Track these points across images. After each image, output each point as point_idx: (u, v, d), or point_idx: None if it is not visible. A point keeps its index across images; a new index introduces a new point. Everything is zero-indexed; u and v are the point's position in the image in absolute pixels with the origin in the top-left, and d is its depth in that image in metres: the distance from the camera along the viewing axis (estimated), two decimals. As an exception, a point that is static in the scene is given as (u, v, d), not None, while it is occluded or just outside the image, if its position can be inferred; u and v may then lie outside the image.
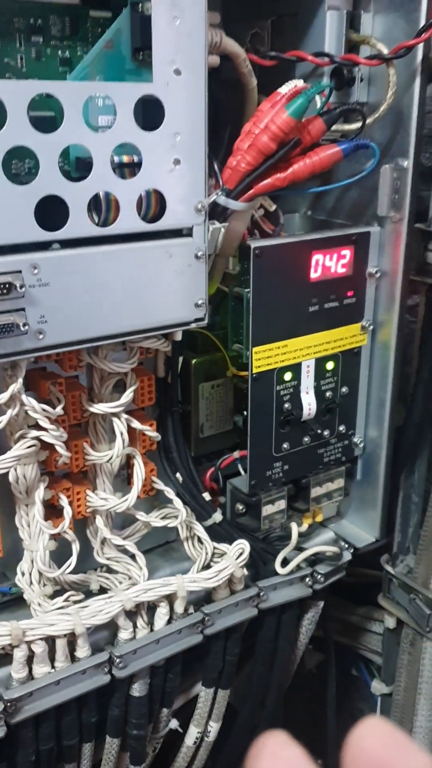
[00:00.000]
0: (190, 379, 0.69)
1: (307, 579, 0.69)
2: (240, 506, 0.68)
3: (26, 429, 0.54)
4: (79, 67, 0.51)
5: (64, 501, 0.58)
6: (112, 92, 0.48)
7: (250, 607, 0.66)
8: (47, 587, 0.59)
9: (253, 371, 0.62)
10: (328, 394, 0.68)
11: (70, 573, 0.59)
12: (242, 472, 0.67)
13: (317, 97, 0.56)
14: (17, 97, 0.44)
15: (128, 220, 0.51)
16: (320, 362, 0.66)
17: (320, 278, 0.63)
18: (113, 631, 0.60)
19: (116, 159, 0.50)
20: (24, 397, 0.52)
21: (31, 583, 0.58)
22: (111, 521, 0.62)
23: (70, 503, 0.58)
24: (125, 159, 0.51)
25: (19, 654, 0.54)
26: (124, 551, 0.63)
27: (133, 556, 0.62)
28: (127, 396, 0.58)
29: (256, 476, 0.65)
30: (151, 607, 0.61)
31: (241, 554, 0.63)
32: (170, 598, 0.61)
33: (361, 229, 0.65)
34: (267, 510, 0.68)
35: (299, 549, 0.70)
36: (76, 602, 0.58)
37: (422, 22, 0.57)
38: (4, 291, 0.46)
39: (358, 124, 0.60)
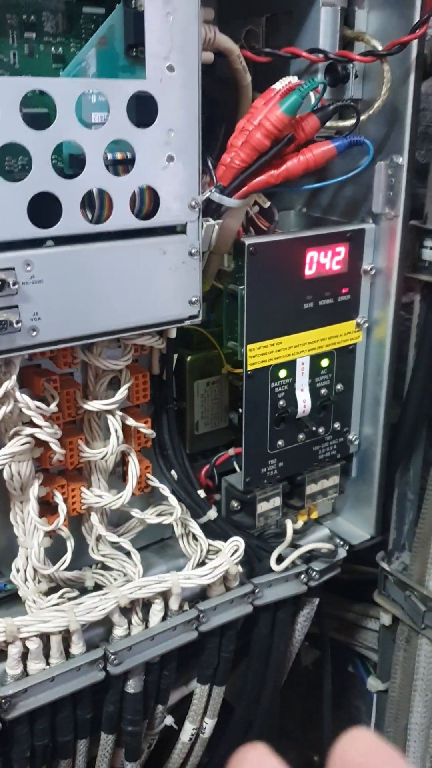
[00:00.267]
0: (185, 376, 0.69)
1: (302, 576, 0.69)
2: (235, 503, 0.68)
3: (20, 426, 0.54)
4: (72, 64, 0.51)
5: (58, 498, 0.58)
6: (105, 89, 0.48)
7: (245, 604, 0.66)
8: (42, 584, 0.59)
9: (248, 368, 0.62)
10: (323, 391, 0.68)
11: (65, 570, 0.59)
12: (237, 469, 0.67)
13: (311, 94, 0.56)
14: (10, 94, 0.44)
15: (122, 217, 0.51)
16: (315, 359, 0.66)
17: (315, 275, 0.63)
18: (108, 628, 0.60)
19: (110, 156, 0.50)
20: (18, 394, 0.52)
21: (26, 579, 0.58)
22: (106, 518, 0.62)
23: (65, 500, 0.58)
24: (119, 156, 0.51)
25: (14, 650, 0.54)
26: (119, 548, 0.63)
27: (128, 553, 0.63)
28: (122, 393, 0.58)
29: (251, 473, 0.65)
30: (146, 604, 0.61)
31: (235, 551, 0.63)
32: (165, 595, 0.61)
33: (356, 226, 0.65)
34: (262, 507, 0.68)
35: (294, 546, 0.70)
36: (70, 599, 0.59)
37: (417, 19, 0.57)
38: (-3, 288, 0.46)
39: (353, 121, 0.60)
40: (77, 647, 0.57)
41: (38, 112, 0.50)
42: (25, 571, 0.58)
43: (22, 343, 0.49)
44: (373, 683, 0.88)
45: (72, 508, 0.59)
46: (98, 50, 0.51)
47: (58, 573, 0.59)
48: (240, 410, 0.64)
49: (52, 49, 0.52)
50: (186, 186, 0.53)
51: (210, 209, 0.56)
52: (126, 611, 0.60)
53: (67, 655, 0.57)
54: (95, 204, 0.50)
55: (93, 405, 0.57)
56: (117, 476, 0.64)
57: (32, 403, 0.52)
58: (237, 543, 0.63)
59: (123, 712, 0.62)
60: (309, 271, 0.63)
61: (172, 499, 0.63)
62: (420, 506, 0.76)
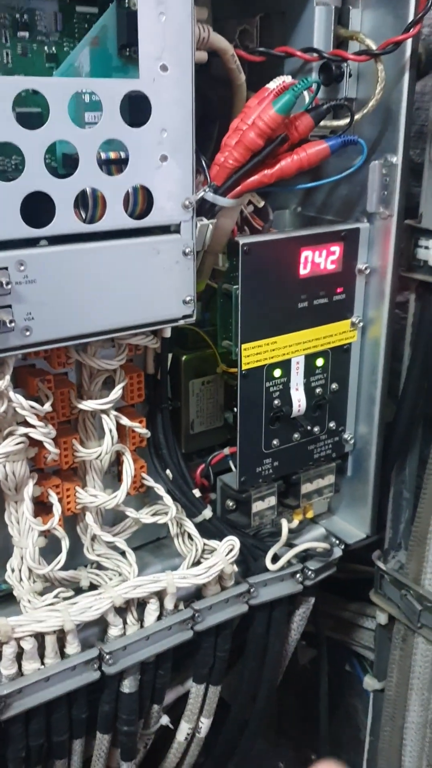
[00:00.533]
0: (180, 375, 0.69)
1: (298, 575, 0.69)
2: (230, 503, 0.68)
3: (15, 426, 0.54)
4: (66, 63, 0.51)
5: (53, 498, 0.58)
6: (98, 88, 0.48)
7: (240, 604, 0.66)
8: (37, 584, 0.59)
9: (243, 368, 0.62)
10: (317, 390, 0.68)
11: (60, 569, 0.59)
12: (232, 468, 0.67)
13: (305, 93, 0.56)
14: (3, 93, 0.44)
15: (115, 217, 0.51)
16: (310, 359, 0.66)
17: (309, 275, 0.63)
18: (103, 628, 0.60)
19: (103, 155, 0.50)
20: (12, 394, 0.52)
21: (20, 579, 0.58)
22: (101, 518, 0.62)
23: (60, 500, 0.58)
24: (112, 155, 0.51)
25: (9, 650, 0.54)
26: (115, 548, 0.63)
27: (123, 553, 0.63)
28: (116, 393, 0.58)
29: (246, 473, 0.65)
30: (141, 604, 0.61)
31: (231, 551, 0.63)
32: (160, 595, 0.61)
33: (351, 225, 0.65)
34: (257, 506, 0.68)
35: (290, 545, 0.70)
36: (65, 599, 0.59)
37: (411, 18, 0.57)
38: (-10, 288, 0.46)
39: (347, 120, 0.60)
40: (72, 647, 0.57)
41: (31, 112, 0.50)
42: (20, 570, 0.58)
43: (16, 342, 0.49)
44: (370, 682, 0.88)
45: (67, 507, 0.59)
46: (91, 50, 0.51)
47: (53, 573, 0.59)
48: (235, 409, 0.63)
49: (46, 48, 0.52)
50: (180, 185, 0.53)
51: (204, 209, 0.56)
52: (121, 611, 0.60)
53: (62, 654, 0.58)
54: (89, 203, 0.50)
55: (87, 405, 0.57)
56: (112, 476, 0.64)
57: (26, 403, 0.52)
58: (232, 542, 0.63)
59: (118, 712, 0.62)
60: (303, 271, 0.63)
61: (167, 499, 0.63)
62: (416, 505, 0.76)
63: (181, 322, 0.57)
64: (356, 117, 0.60)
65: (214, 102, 0.62)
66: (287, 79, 0.55)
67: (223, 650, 0.67)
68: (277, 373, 0.64)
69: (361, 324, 0.69)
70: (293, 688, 1.00)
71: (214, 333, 0.67)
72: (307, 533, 0.74)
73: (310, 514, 0.74)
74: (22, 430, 0.54)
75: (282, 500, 0.72)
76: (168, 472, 0.64)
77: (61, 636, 0.57)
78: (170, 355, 0.66)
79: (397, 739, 0.82)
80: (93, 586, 0.61)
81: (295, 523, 0.73)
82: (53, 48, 0.52)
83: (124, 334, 0.55)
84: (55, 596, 0.59)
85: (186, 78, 0.51)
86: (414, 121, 0.71)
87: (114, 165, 0.51)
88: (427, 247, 0.68)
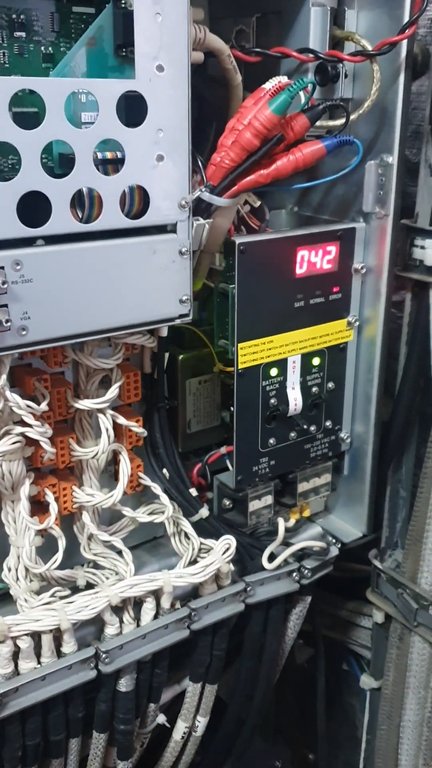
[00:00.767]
0: (177, 375, 0.69)
1: (295, 574, 0.69)
2: (227, 502, 0.68)
3: (11, 425, 0.54)
4: (62, 63, 0.51)
5: (50, 497, 0.58)
6: (94, 88, 0.48)
7: (237, 602, 0.66)
8: (34, 583, 0.59)
9: (239, 367, 0.62)
10: (314, 389, 0.68)
11: (57, 569, 0.59)
12: (229, 467, 0.67)
13: (301, 94, 0.56)
14: (-1, 93, 0.44)
15: (111, 217, 0.51)
16: (306, 358, 0.66)
17: (306, 274, 0.63)
18: (100, 627, 0.60)
19: (99, 155, 0.50)
20: (8, 393, 0.52)
21: (17, 578, 0.58)
22: (98, 517, 0.62)
23: (57, 499, 0.58)
24: (108, 155, 0.51)
25: (5, 650, 0.54)
26: (111, 547, 0.63)
27: (120, 552, 0.63)
28: (113, 392, 0.58)
29: (243, 472, 0.65)
30: (138, 603, 0.61)
31: (227, 549, 0.63)
32: (157, 594, 0.61)
33: (347, 225, 0.66)
34: (254, 505, 0.68)
35: (286, 544, 0.70)
36: (62, 598, 0.59)
37: (406, 19, 0.58)
38: (-13, 287, 0.46)
39: (343, 120, 0.60)
40: (69, 646, 0.57)
41: (28, 112, 0.50)
42: (16, 570, 0.58)
43: (12, 342, 0.49)
44: (367, 681, 0.88)
45: (63, 507, 0.59)
46: (88, 50, 0.51)
47: (50, 572, 0.59)
48: (232, 408, 0.64)
49: (42, 48, 0.52)
50: (176, 185, 0.53)
51: (200, 208, 0.57)
52: (118, 610, 0.60)
53: (59, 654, 0.58)
54: (85, 203, 0.50)
55: (84, 404, 0.57)
56: (109, 475, 0.64)
57: (23, 402, 0.52)
58: (229, 541, 0.63)
59: (115, 711, 0.62)
60: (300, 270, 0.63)
61: (164, 498, 0.63)
62: (412, 503, 0.76)
63: (178, 321, 0.57)
64: (352, 117, 0.60)
65: (210, 102, 0.63)
66: (283, 79, 0.55)
67: (220, 649, 0.67)
68: (274, 372, 0.64)
69: (357, 323, 0.69)
70: (291, 687, 1.00)
71: (210, 332, 0.68)
72: (303, 532, 0.75)
73: (306, 513, 0.75)
74: (19, 429, 0.54)
75: (279, 499, 0.72)
76: (165, 471, 0.64)
77: (57, 635, 0.57)
78: (167, 355, 0.66)
79: (394, 737, 0.82)
80: (90, 585, 0.61)
81: (292, 522, 0.73)
82: (50, 48, 0.52)
83: (120, 333, 0.55)
84: (52, 595, 0.59)
85: (182, 78, 0.51)
86: (410, 121, 0.71)
87: (110, 165, 0.51)
88: (422, 247, 0.68)
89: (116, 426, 0.60)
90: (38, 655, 0.56)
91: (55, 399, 0.57)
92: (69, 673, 0.57)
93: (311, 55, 0.59)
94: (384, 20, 0.60)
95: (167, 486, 0.64)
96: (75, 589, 0.61)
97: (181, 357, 0.69)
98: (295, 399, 0.66)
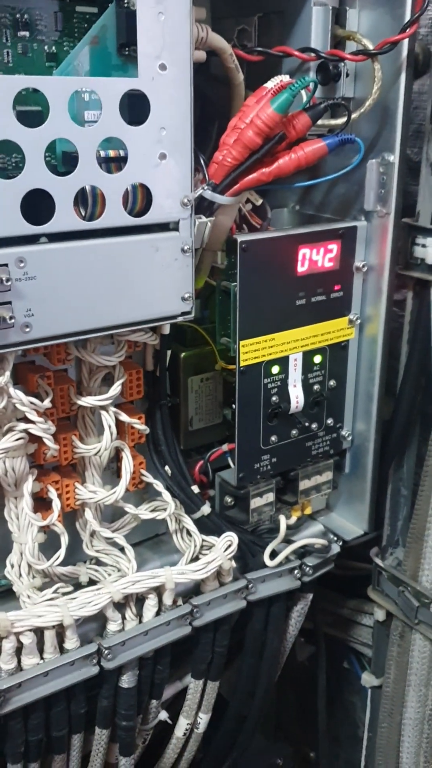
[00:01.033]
0: (179, 372, 0.69)
1: (296, 571, 0.70)
2: (229, 499, 0.68)
3: (14, 422, 0.54)
4: (65, 62, 0.52)
5: (52, 493, 0.58)
6: (97, 87, 0.48)
7: (238, 599, 0.66)
8: (36, 579, 0.59)
9: (241, 364, 0.62)
10: (315, 387, 0.68)
11: (60, 565, 0.59)
12: (231, 464, 0.67)
13: (303, 92, 0.57)
14: (3, 91, 0.44)
15: (114, 215, 0.51)
16: (308, 356, 0.67)
17: (307, 272, 0.64)
18: (102, 623, 0.60)
19: (102, 153, 0.50)
20: (12, 390, 0.52)
21: (20, 575, 0.59)
22: (100, 514, 0.62)
23: (59, 496, 0.59)
24: (111, 153, 0.51)
25: (8, 645, 0.55)
26: (114, 544, 0.63)
27: (122, 549, 0.63)
28: (115, 389, 0.58)
29: (244, 469, 0.66)
30: (140, 599, 0.61)
31: (229, 546, 0.63)
32: (159, 590, 0.61)
33: (348, 223, 0.66)
34: (255, 502, 0.68)
35: (288, 541, 0.70)
36: (65, 594, 0.59)
37: (407, 18, 0.58)
38: (-9, 284, 0.47)
39: (344, 119, 0.61)
40: (71, 642, 0.58)
41: (32, 110, 0.50)
42: (19, 566, 0.59)
43: (16, 339, 0.49)
44: (368, 679, 0.88)
45: (66, 503, 0.60)
46: (91, 49, 0.52)
47: (52, 568, 0.59)
48: (233, 406, 0.64)
49: (46, 47, 0.52)
50: (178, 183, 0.53)
51: (202, 206, 0.57)
52: (120, 606, 0.60)
53: (61, 650, 0.58)
54: (88, 201, 0.50)
55: (87, 401, 0.58)
56: (111, 472, 0.64)
57: (26, 399, 0.53)
58: (230, 538, 0.63)
59: (117, 707, 0.63)
60: (301, 268, 0.63)
61: (166, 495, 0.64)
62: (413, 502, 0.77)
63: (180, 318, 0.57)
64: (353, 116, 0.61)
65: (212, 101, 0.63)
66: (285, 78, 0.55)
67: (222, 646, 0.67)
68: (275, 369, 0.65)
69: (359, 321, 0.69)
70: (292, 685, 1.01)
71: (212, 330, 0.68)
72: (305, 530, 0.75)
73: (308, 511, 0.75)
74: (22, 426, 0.54)
75: (280, 497, 0.72)
76: (167, 468, 0.65)
77: (60, 631, 0.57)
78: (169, 352, 0.66)
79: (395, 735, 0.82)
80: (92, 582, 0.62)
81: (293, 519, 0.73)
82: (53, 47, 0.53)
83: (123, 330, 0.55)
84: (54, 591, 0.59)
85: (184, 77, 0.51)
86: (412, 120, 0.71)
87: (113, 163, 0.51)
88: (424, 245, 0.68)
89: (119, 423, 0.60)
90: (41, 651, 0.57)
91: (58, 396, 0.57)
92: (71, 669, 0.58)
93: (313, 54, 0.59)
94: (385, 19, 0.60)
95: (169, 483, 0.65)
96: (77, 586, 0.61)
97: (183, 355, 0.69)
98: (296, 397, 0.67)
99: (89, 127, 0.49)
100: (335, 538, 0.74)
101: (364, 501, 0.75)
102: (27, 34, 0.51)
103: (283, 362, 0.65)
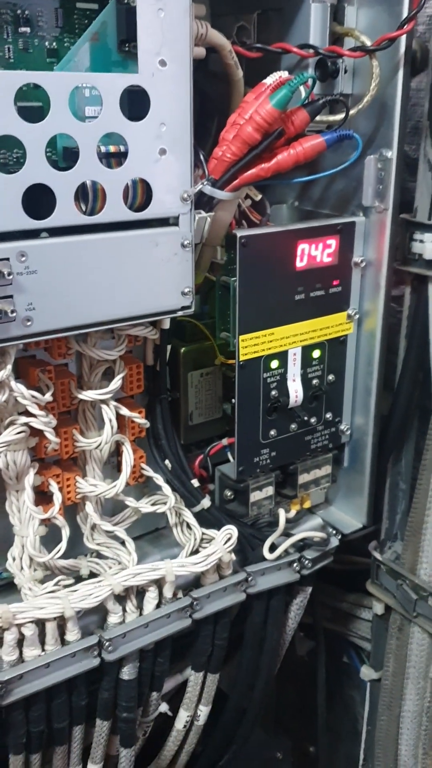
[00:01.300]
0: (179, 367, 0.70)
1: (295, 564, 0.70)
2: (228, 492, 0.69)
3: (16, 415, 0.55)
4: (66, 58, 0.52)
5: (54, 487, 0.59)
6: (98, 83, 0.49)
7: (238, 592, 0.67)
8: (38, 572, 0.59)
9: (240, 359, 0.63)
10: (314, 381, 0.69)
11: (61, 558, 0.60)
12: (230, 458, 0.68)
13: (301, 88, 0.57)
14: (4, 87, 0.45)
15: (115, 209, 0.52)
16: (307, 350, 0.67)
17: (306, 267, 0.64)
18: (103, 615, 0.61)
19: (103, 149, 0.51)
20: (13, 383, 0.53)
21: (21, 568, 0.59)
22: (101, 507, 0.63)
23: (60, 489, 0.59)
24: (112, 149, 0.52)
25: (10, 637, 0.55)
26: (114, 537, 0.63)
27: (122, 542, 0.63)
28: (116, 383, 0.59)
29: (244, 462, 0.66)
30: (141, 592, 0.62)
31: (229, 539, 0.64)
32: (159, 583, 0.62)
33: (346, 219, 0.66)
34: (255, 496, 0.69)
35: (287, 535, 0.71)
36: (66, 586, 0.59)
37: (405, 15, 0.58)
38: (-8, 278, 0.47)
39: (343, 115, 0.61)
40: (72, 634, 0.58)
41: (33, 106, 0.50)
42: (20, 559, 0.59)
43: (17, 332, 0.50)
44: (367, 672, 0.88)
45: (67, 497, 0.60)
46: (91, 45, 0.52)
47: (54, 561, 0.60)
48: (233, 400, 0.64)
49: (47, 44, 0.53)
50: (178, 178, 0.54)
51: (202, 202, 0.57)
52: (120, 599, 0.61)
53: (63, 642, 0.58)
54: (89, 196, 0.51)
55: (87, 395, 0.58)
56: (112, 466, 0.65)
57: (27, 392, 0.53)
58: (230, 531, 0.64)
59: (118, 699, 0.63)
60: (300, 263, 0.64)
61: (166, 489, 0.64)
62: (412, 496, 0.77)
63: (180, 313, 0.58)
64: (351, 112, 0.61)
65: (212, 97, 0.63)
66: (284, 74, 0.56)
67: (222, 638, 0.68)
68: (275, 364, 0.65)
69: (357, 316, 0.70)
70: (292, 680, 1.01)
71: (212, 326, 0.68)
72: (304, 523, 0.75)
73: (307, 504, 0.75)
74: (23, 419, 0.55)
75: (279, 490, 0.73)
76: (167, 462, 0.65)
77: (61, 623, 0.58)
78: (169, 347, 0.67)
79: (394, 727, 0.83)
80: (93, 575, 0.62)
81: (293, 513, 0.73)
82: (54, 44, 0.53)
83: (123, 324, 0.56)
84: (56, 584, 0.59)
85: (184, 73, 0.52)
86: (410, 117, 0.72)
87: (114, 158, 0.52)
88: (422, 241, 0.69)
89: (119, 417, 0.61)
90: (42, 643, 0.57)
91: (59, 390, 0.58)
92: (73, 660, 0.58)
93: (311, 51, 0.59)
94: (383, 16, 0.60)
95: (169, 477, 0.65)
96: (78, 579, 0.61)
97: (183, 350, 0.69)
98: (295, 391, 0.67)
99: (90, 123, 0.49)
100: (334, 532, 0.75)
101: (363, 495, 0.75)
102: (28, 30, 0.51)
103: (283, 357, 0.66)
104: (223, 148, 0.57)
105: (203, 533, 0.65)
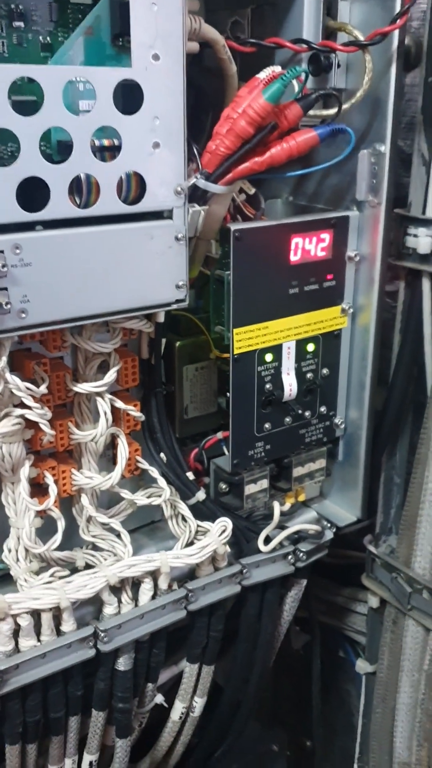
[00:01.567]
0: (174, 361, 0.70)
1: (290, 557, 0.70)
2: (223, 485, 0.69)
3: (11, 407, 0.55)
4: (60, 53, 0.52)
5: (49, 479, 0.59)
6: (91, 76, 0.49)
7: (233, 584, 0.67)
8: (33, 563, 0.60)
9: (235, 352, 0.63)
10: (308, 375, 0.69)
11: (57, 550, 0.60)
12: (225, 451, 0.68)
13: (294, 83, 0.57)
14: (-2, 81, 0.45)
15: (109, 202, 0.52)
16: (301, 344, 0.68)
17: (300, 261, 0.65)
18: (98, 607, 0.61)
19: (97, 142, 0.51)
20: (8, 375, 0.53)
21: (17, 559, 0.59)
22: (96, 500, 0.63)
23: (56, 481, 0.59)
24: (106, 142, 0.52)
25: (5, 627, 0.56)
26: (110, 530, 0.64)
27: (118, 534, 0.64)
28: (110, 375, 0.59)
29: (239, 455, 0.67)
30: (136, 583, 0.62)
31: (223, 531, 0.64)
32: (154, 574, 0.62)
33: (340, 213, 0.67)
34: (249, 489, 0.69)
35: (282, 528, 0.71)
36: (61, 578, 0.60)
37: (398, 9, 0.59)
38: (-13, 271, 0.48)
39: (336, 110, 0.61)
40: (68, 624, 0.59)
41: (27, 100, 0.51)
42: (16, 551, 0.60)
43: (12, 324, 0.50)
44: (362, 665, 0.89)
45: (63, 489, 0.60)
46: (85, 39, 0.53)
47: (49, 553, 0.60)
48: (228, 394, 0.65)
49: (41, 38, 0.53)
50: (172, 172, 0.54)
51: (196, 195, 0.58)
52: (116, 590, 0.61)
53: (58, 632, 0.59)
54: (83, 189, 0.51)
55: (82, 387, 0.59)
56: (107, 459, 0.65)
57: (22, 384, 0.54)
58: (225, 523, 0.64)
59: (113, 689, 0.64)
60: (294, 257, 0.64)
61: (161, 481, 0.64)
62: (406, 490, 0.78)
63: (174, 306, 0.58)
64: (344, 107, 0.61)
65: (206, 92, 0.64)
66: (277, 69, 0.56)
67: (217, 630, 0.68)
68: (269, 357, 0.66)
69: (351, 310, 0.70)
70: (288, 674, 1.02)
71: (207, 320, 0.69)
72: (298, 516, 0.76)
73: (301, 498, 0.76)
74: (19, 411, 0.55)
75: (274, 483, 0.73)
76: (162, 455, 0.66)
77: (57, 614, 0.58)
78: (164, 341, 0.67)
79: (389, 720, 0.83)
80: (88, 567, 0.63)
81: (287, 506, 0.74)
82: (48, 38, 0.53)
83: (118, 317, 0.56)
84: (51, 575, 0.60)
85: (177, 67, 0.52)
86: (404, 113, 0.72)
87: (108, 152, 0.52)
88: (415, 235, 0.69)
89: (114, 410, 0.61)
90: (38, 633, 0.58)
91: (54, 383, 0.58)
92: (68, 651, 0.59)
93: (305, 46, 0.60)
94: (376, 11, 0.61)
95: (165, 470, 0.66)
96: (74, 571, 0.62)
97: (178, 344, 0.70)
98: (290, 384, 0.67)
99: (83, 116, 0.49)
100: (328, 525, 0.75)
101: (357, 488, 0.76)
102: (22, 24, 0.52)
103: (277, 350, 0.66)
104: (216, 142, 0.57)
105: (198, 525, 0.66)
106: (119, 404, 0.61)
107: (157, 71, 0.51)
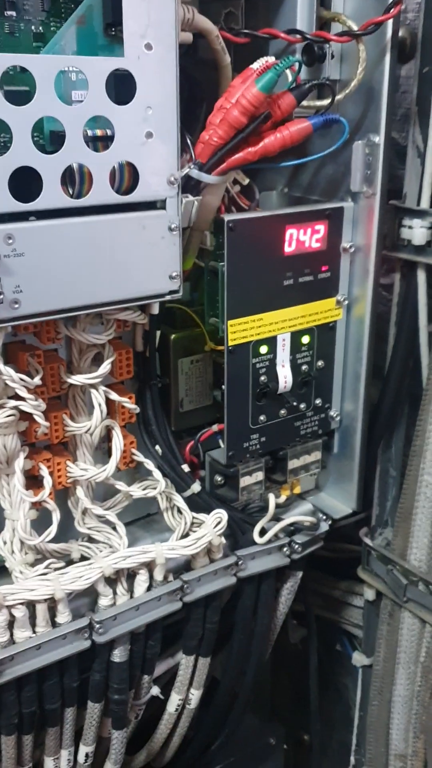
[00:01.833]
0: (169, 354, 0.70)
1: (285, 548, 0.70)
2: (218, 478, 0.69)
3: (5, 399, 0.55)
4: (52, 42, 0.52)
5: (44, 471, 0.59)
6: (84, 66, 0.49)
7: (228, 576, 0.67)
8: (29, 555, 0.60)
9: (229, 344, 0.63)
10: (303, 367, 0.69)
11: (52, 542, 0.60)
12: (221, 444, 0.68)
13: (288, 72, 0.57)
14: (-10, 70, 0.45)
15: (101, 192, 0.52)
16: (296, 336, 0.68)
17: (294, 252, 0.65)
18: (94, 598, 0.61)
19: (89, 132, 0.51)
20: (2, 366, 0.53)
21: (12, 551, 0.59)
22: (92, 492, 0.63)
23: (51, 473, 0.59)
24: (98, 132, 0.52)
25: (0, 618, 0.56)
26: (106, 522, 0.64)
27: (113, 527, 0.64)
28: (105, 367, 0.59)
29: (234, 447, 0.67)
30: (131, 575, 0.62)
31: (219, 523, 0.64)
32: (150, 566, 0.62)
33: (335, 204, 0.67)
34: (245, 481, 0.69)
35: (277, 519, 0.71)
36: (57, 569, 0.60)
37: (391, -1, 0.59)
38: (-21, 261, 0.48)
39: (330, 100, 0.61)
40: (63, 616, 0.59)
41: (19, 90, 0.51)
42: (11, 542, 0.59)
43: (4, 315, 0.50)
44: (358, 658, 0.89)
45: (58, 481, 0.60)
46: (78, 29, 0.52)
47: (45, 544, 0.60)
48: (223, 387, 0.65)
49: (33, 27, 0.53)
50: (165, 162, 0.54)
51: (189, 186, 0.58)
52: (111, 582, 0.61)
53: (53, 624, 0.59)
54: (75, 179, 0.51)
55: (77, 379, 0.58)
56: (102, 452, 0.65)
57: (16, 375, 0.53)
58: (220, 515, 0.64)
59: (109, 681, 0.64)
60: (289, 248, 0.64)
61: (157, 474, 0.64)
62: (402, 483, 0.78)
63: (168, 297, 0.58)
64: (338, 97, 0.61)
65: (200, 83, 0.64)
66: (270, 59, 0.56)
67: (212, 622, 0.68)
68: (264, 349, 0.65)
69: (346, 302, 0.70)
70: (285, 668, 1.02)
71: (202, 313, 0.69)
72: (294, 508, 0.76)
73: (297, 490, 0.76)
74: (13, 403, 0.55)
75: (269, 476, 0.73)
76: (157, 447, 0.66)
77: (52, 605, 0.58)
78: (158, 333, 0.67)
79: (385, 712, 0.83)
80: (84, 558, 0.63)
81: (283, 498, 0.74)
82: (40, 27, 0.53)
83: (111, 308, 0.56)
84: (47, 567, 0.60)
85: (170, 57, 0.52)
86: (399, 105, 0.72)
87: (100, 142, 0.52)
88: (410, 227, 0.69)
89: (109, 403, 0.61)
90: (33, 625, 0.58)
91: (49, 375, 0.58)
92: (63, 642, 0.59)
93: (298, 36, 0.60)
94: (370, 1, 0.61)
95: (160, 462, 0.65)
96: (70, 563, 0.62)
97: (173, 336, 0.70)
98: (284, 376, 0.67)
99: (76, 106, 0.49)
100: (324, 517, 0.75)
101: (353, 480, 0.76)
102: (14, 14, 0.52)
103: (272, 342, 0.66)
104: (209, 132, 0.57)
105: (194, 517, 0.66)
106: (114, 396, 0.61)
107: (150, 61, 0.51)
